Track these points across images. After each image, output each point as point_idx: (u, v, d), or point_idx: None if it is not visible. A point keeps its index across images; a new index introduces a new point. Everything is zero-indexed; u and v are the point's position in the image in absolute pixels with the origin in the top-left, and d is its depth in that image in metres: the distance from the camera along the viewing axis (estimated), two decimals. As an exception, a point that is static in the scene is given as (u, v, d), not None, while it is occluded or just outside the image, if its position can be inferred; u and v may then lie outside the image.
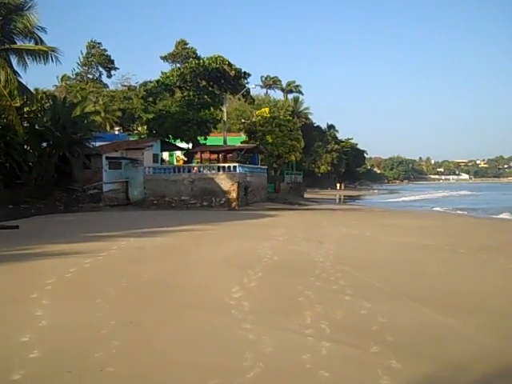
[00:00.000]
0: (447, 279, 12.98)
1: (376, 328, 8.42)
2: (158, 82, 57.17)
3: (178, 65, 69.73)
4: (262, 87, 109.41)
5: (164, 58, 78.48)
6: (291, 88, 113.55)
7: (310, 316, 9.09)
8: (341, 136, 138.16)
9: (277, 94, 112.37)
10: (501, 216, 41.82)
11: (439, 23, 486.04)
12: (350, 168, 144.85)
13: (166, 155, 58.07)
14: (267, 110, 68.46)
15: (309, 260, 15.28)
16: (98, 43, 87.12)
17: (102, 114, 62.22)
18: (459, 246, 18.77)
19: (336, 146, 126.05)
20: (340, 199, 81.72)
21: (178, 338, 7.97)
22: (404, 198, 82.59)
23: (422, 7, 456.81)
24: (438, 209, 52.58)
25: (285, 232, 23.50)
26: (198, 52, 66.69)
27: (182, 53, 76.17)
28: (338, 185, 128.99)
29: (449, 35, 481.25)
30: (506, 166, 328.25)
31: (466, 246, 19.10)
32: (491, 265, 15.15)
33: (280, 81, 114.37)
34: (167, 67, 72.56)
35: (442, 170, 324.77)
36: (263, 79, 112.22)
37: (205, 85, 56.64)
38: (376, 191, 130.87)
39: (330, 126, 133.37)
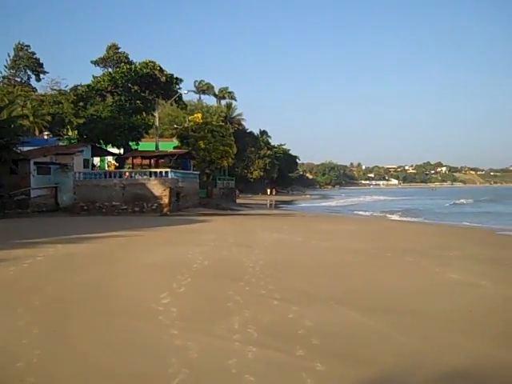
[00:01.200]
0: (374, 282, 13.25)
1: (302, 331, 8.52)
2: (88, 86, 56.11)
3: (110, 69, 68.69)
4: (195, 93, 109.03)
5: (95, 63, 76.86)
6: (224, 94, 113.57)
7: (237, 321, 9.12)
8: (273, 142, 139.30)
9: (210, 100, 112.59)
10: (392, 217, 46.07)
11: (367, 29, 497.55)
12: (283, 173, 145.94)
13: (96, 160, 57.14)
14: (200, 115, 68.49)
15: (239, 265, 15.32)
16: (27, 46, 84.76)
17: (31, 119, 60.50)
18: (385, 250, 19.26)
19: (268, 152, 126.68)
20: (272, 204, 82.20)
21: (102, 347, 7.86)
22: (335, 203, 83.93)
23: (352, 9, 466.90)
24: (365, 213, 53.68)
25: (216, 237, 23.50)
26: (129, 57, 65.86)
27: (113, 57, 74.96)
28: (269, 190, 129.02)
29: (380, 39, 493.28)
30: (432, 172, 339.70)
31: (392, 249, 19.64)
32: (416, 268, 15.57)
33: (213, 87, 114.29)
34: (98, 72, 71.25)
35: (372, 175, 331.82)
36: (196, 84, 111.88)
37: (136, 90, 56.13)
38: (308, 196, 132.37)
39: (263, 132, 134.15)
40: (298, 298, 10.99)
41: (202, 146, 60.81)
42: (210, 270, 14.43)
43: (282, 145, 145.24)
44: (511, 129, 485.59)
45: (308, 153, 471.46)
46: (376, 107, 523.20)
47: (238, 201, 72.72)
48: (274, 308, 10.18)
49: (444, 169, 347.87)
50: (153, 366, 7.07)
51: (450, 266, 15.70)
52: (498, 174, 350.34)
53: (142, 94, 56.50)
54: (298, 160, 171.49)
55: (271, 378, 6.68)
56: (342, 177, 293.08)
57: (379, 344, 8.09)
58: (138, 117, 54.14)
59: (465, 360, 7.48)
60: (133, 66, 57.06)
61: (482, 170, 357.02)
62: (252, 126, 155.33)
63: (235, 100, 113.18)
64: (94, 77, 58.65)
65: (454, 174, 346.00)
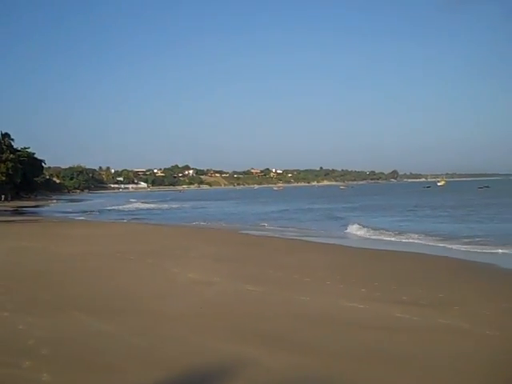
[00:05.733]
0: (114, 286, 13.46)
1: (32, 342, 8.29)
2: None
3: None
4: None
5: None
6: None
7: (-43, 338, 8.57)
8: (17, 145, 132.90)
9: None
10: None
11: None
12: (27, 178, 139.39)
13: None
14: None
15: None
16: None
17: None
18: (129, 253, 19.58)
19: (11, 156, 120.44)
20: (16, 211, 78.29)
21: None
22: (83, 208, 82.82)
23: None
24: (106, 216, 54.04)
25: None
26: None
27: None
28: (4, 196, 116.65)
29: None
30: (180, 175, 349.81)
31: (136, 252, 20.03)
32: (156, 269, 16.07)
33: None
34: None
35: (121, 178, 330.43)
36: None
37: None
38: (55, 201, 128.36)
39: (5, 135, 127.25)
40: (33, 308, 10.70)
41: None
42: None
43: (26, 148, 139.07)
44: (248, 134, 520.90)
45: (56, 156, 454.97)
46: (117, 110, 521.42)
47: (-25, 208, 68.36)
48: (2, 320, 9.73)
49: (191, 172, 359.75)
50: None
51: (189, 265, 16.50)
52: (240, 176, 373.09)
53: None
54: (43, 164, 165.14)
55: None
56: (91, 181, 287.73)
57: (113, 347, 8.23)
58: None
59: (192, 354, 7.93)
60: None
61: (227, 173, 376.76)
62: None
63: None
64: None
65: (201, 176, 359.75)
